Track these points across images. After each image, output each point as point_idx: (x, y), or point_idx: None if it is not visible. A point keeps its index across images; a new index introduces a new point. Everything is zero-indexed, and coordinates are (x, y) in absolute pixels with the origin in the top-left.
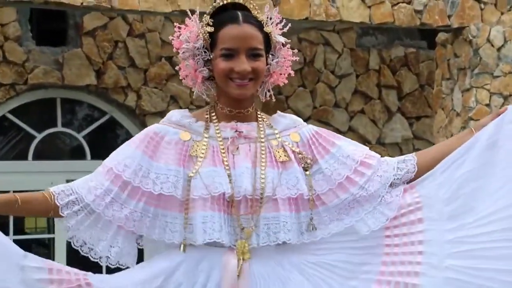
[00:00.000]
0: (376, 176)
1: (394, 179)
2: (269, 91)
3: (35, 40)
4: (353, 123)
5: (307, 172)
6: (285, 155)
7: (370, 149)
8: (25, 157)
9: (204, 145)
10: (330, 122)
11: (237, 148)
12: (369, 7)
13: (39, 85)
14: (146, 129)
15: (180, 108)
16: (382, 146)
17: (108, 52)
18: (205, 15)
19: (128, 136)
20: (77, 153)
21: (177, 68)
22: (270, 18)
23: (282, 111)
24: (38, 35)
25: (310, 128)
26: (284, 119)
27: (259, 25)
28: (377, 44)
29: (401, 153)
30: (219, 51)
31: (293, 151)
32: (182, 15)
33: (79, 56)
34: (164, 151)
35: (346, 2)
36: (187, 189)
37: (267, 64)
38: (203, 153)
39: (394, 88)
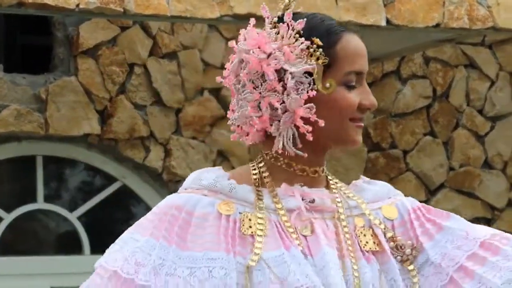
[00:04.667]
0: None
1: None
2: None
3: (3, 64)
4: None
5: (410, 267)
6: (374, 242)
7: None
8: None
9: (261, 219)
10: (477, 193)
11: (311, 226)
12: None
13: (8, 136)
14: (162, 202)
15: (233, 169)
16: None
17: (118, 82)
18: (293, 22)
19: None
20: (69, 244)
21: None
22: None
23: (398, 174)
24: (8, 56)
25: (414, 202)
26: (374, 186)
27: None
28: None
29: None
30: (341, 76)
31: (387, 236)
32: (238, 22)
33: (73, 88)
34: (197, 232)
35: None
36: (246, 287)
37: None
38: (262, 232)
39: None
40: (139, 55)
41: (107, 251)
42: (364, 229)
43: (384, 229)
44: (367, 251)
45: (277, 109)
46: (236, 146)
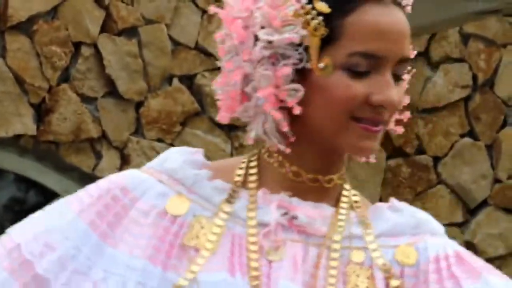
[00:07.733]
0: None
1: None
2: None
3: None
4: None
5: None
6: (368, 286)
7: None
8: None
9: (218, 228)
10: None
11: (278, 248)
12: None
13: None
14: (114, 176)
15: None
16: None
17: (60, 67)
18: None
19: None
20: None
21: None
22: None
23: (427, 188)
24: None
25: (447, 245)
26: (399, 216)
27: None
28: None
29: None
30: (344, 56)
31: (390, 285)
32: None
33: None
34: (131, 227)
35: None
36: None
37: None
38: (211, 245)
39: None
40: (88, 31)
41: (25, 219)
42: (360, 268)
43: (388, 274)
44: None
45: (277, 87)
46: (216, 151)
